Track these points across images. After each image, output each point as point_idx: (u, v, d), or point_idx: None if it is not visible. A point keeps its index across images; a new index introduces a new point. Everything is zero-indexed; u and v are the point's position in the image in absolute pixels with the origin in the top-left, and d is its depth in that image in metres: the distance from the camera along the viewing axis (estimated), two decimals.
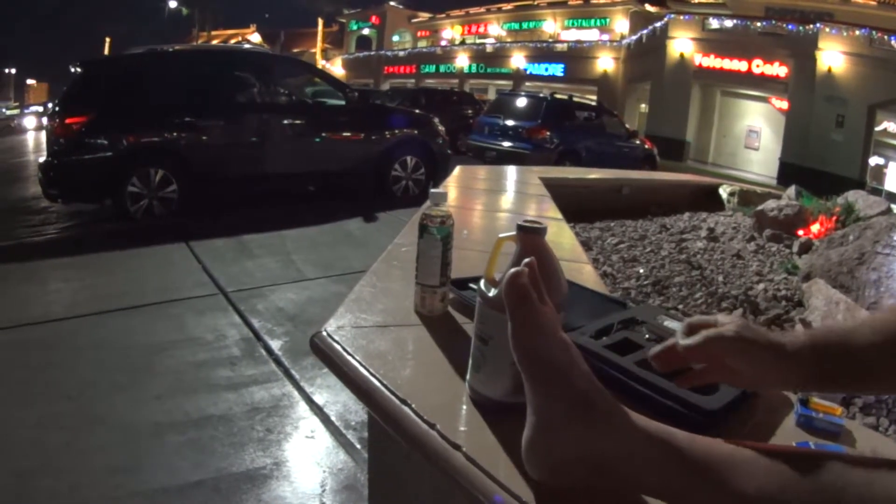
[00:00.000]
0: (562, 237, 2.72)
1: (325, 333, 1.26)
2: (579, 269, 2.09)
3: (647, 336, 1.21)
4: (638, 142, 14.68)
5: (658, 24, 26.61)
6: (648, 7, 34.36)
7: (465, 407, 0.99)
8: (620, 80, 30.79)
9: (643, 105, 29.39)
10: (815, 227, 4.22)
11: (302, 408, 2.70)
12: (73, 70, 6.82)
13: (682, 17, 25.57)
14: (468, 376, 1.01)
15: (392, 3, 50.33)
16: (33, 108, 76.61)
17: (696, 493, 0.68)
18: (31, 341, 3.39)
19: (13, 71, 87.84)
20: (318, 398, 2.76)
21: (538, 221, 0.95)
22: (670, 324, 1.26)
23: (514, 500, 0.78)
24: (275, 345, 3.33)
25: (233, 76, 7.56)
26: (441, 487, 1.01)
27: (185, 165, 6.75)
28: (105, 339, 3.42)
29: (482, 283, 0.97)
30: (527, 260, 0.81)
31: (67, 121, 6.46)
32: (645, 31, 27.99)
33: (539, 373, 0.75)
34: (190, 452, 2.32)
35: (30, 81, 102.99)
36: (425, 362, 1.19)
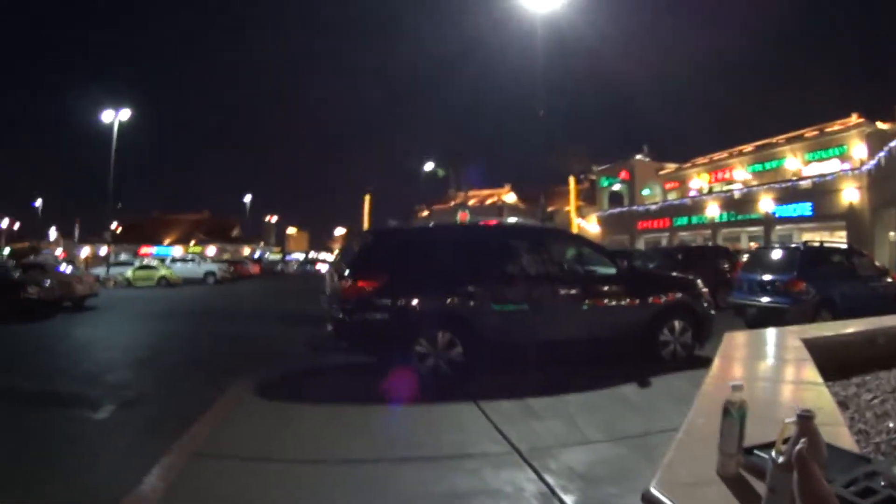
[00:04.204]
0: (821, 401, 3.02)
1: (653, 490, 1.78)
2: (835, 431, 2.42)
3: (882, 484, 1.65)
4: (889, 279, 14.05)
5: (892, 144, 24.97)
6: (880, 125, 31.91)
7: None
8: (867, 210, 28.90)
9: (892, 233, 27.30)
10: None
11: None
12: (364, 236, 7.90)
13: None
14: None
15: (639, 157, 50.99)
16: (295, 256, 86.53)
17: None
18: (339, 477, 4.15)
19: (274, 219, 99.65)
20: None
21: (809, 410, 1.53)
22: None
23: None
24: (569, 499, 3.78)
25: (510, 248, 8.36)
26: None
27: (469, 330, 7.40)
28: (409, 483, 4.09)
29: (773, 452, 1.54)
30: (802, 441, 1.38)
31: (360, 283, 7.43)
32: (882, 154, 26.14)
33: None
34: None
35: (290, 230, 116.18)
36: None
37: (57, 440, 5.28)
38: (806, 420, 1.52)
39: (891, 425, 3.44)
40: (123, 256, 46.73)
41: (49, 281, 16.97)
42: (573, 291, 8.04)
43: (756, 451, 1.96)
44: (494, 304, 7.73)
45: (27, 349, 10.94)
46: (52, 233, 73.97)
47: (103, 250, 50.24)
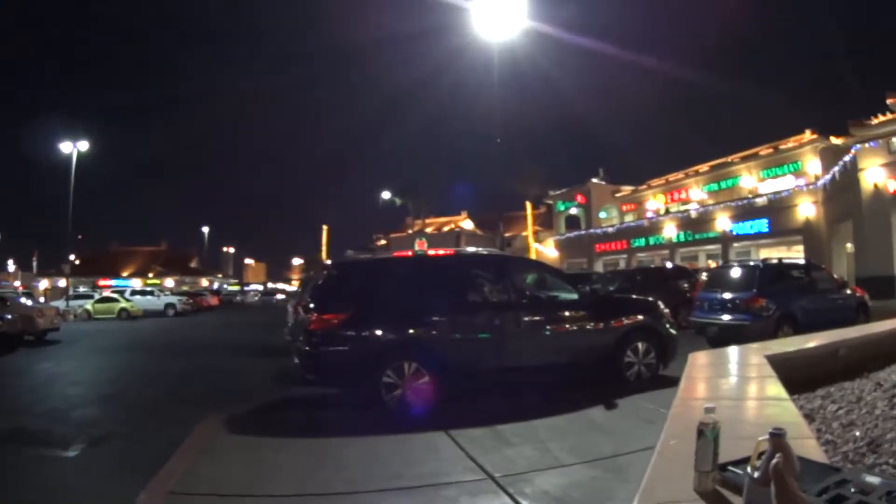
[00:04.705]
0: (787, 415, 3.22)
1: None
2: (803, 444, 2.63)
3: (852, 490, 1.81)
4: (849, 291, 14.66)
5: (847, 158, 25.74)
6: (834, 139, 32.91)
7: None
8: (823, 225, 29.97)
9: (849, 245, 28.10)
10: None
11: None
12: (327, 269, 7.98)
13: (867, 145, 24.47)
14: None
15: (595, 181, 51.54)
16: (253, 287, 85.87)
17: None
18: None
19: (231, 250, 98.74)
20: None
21: (781, 428, 1.66)
22: (870, 479, 1.87)
23: None
24: None
25: (473, 277, 8.43)
26: None
27: (435, 359, 7.44)
28: None
29: (749, 468, 1.73)
30: (777, 457, 1.54)
31: (325, 316, 7.50)
32: (836, 169, 27.03)
33: None
34: None
35: (248, 261, 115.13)
36: None
37: (28, 480, 5.25)
38: (779, 438, 1.64)
39: (857, 434, 3.62)
40: (82, 289, 45.78)
41: (11, 314, 16.64)
42: (537, 318, 8.21)
43: (730, 468, 2.13)
44: (459, 332, 7.85)
45: None
46: (10, 265, 72.37)
47: (62, 283, 49.33)
